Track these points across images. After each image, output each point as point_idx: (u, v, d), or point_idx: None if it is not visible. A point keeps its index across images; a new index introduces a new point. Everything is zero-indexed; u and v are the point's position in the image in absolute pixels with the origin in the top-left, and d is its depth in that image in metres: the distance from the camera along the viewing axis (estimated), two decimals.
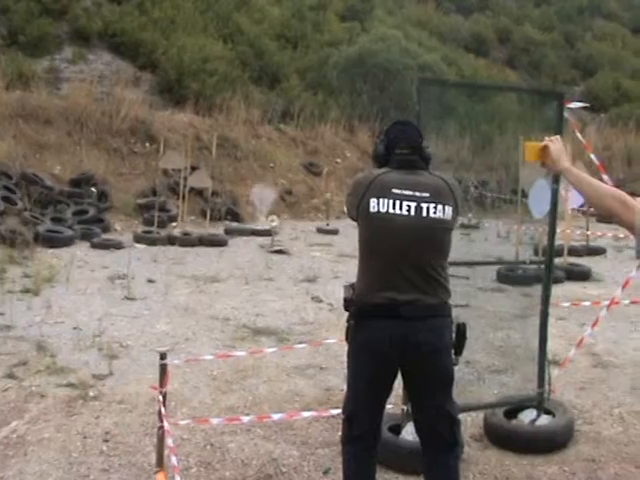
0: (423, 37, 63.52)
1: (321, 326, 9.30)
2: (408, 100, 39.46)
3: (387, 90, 38.30)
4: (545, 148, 3.29)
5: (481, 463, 5.22)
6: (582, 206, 15.82)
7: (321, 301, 10.85)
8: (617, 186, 4.27)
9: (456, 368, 7.04)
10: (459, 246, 15.93)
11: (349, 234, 17.81)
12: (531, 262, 13.09)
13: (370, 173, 3.67)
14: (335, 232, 18.27)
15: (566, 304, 7.85)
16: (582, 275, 12.59)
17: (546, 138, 3.31)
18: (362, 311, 3.61)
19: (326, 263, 14.28)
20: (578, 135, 5.25)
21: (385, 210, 3.45)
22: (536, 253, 14.19)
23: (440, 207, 3.50)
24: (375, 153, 3.77)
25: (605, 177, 5.60)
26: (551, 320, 9.22)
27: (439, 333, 3.64)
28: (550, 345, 8.08)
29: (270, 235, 17.06)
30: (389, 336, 3.54)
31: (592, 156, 5.46)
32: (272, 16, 47.50)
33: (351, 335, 3.70)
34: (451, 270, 11.56)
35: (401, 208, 3.43)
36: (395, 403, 5.40)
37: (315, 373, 7.41)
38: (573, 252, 14.95)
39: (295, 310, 10.23)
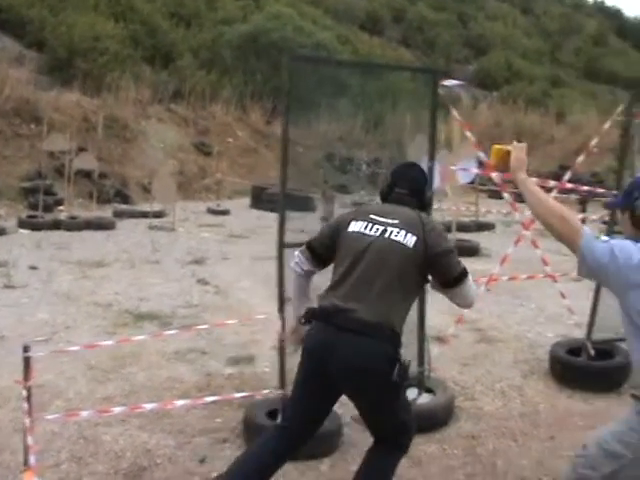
0: (318, 15, 63.32)
1: (206, 309, 9.04)
2: (345, 83, 39.35)
3: (281, 69, 37.99)
4: (509, 153, 3.31)
5: (360, 445, 5.10)
6: (472, 182, 15.99)
7: (207, 283, 10.57)
8: None
9: None
10: None
11: (240, 215, 17.61)
12: None
13: (361, 207, 4.21)
14: (226, 212, 17.99)
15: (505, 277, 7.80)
16: (470, 251, 12.63)
17: (514, 143, 3.36)
18: (313, 312, 3.74)
19: (215, 244, 13.99)
20: (454, 112, 5.13)
21: (358, 230, 3.71)
22: None
23: (403, 233, 3.64)
24: (380, 190, 4.04)
25: (481, 154, 5.50)
26: (438, 296, 9.31)
27: (364, 353, 3.51)
28: (436, 322, 8.11)
29: (160, 217, 16.63)
30: (319, 340, 3.63)
31: (467, 133, 5.35)
32: None
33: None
34: None
35: (371, 230, 3.67)
36: (275, 387, 5.23)
37: (196, 358, 7.15)
38: (462, 228, 15.12)
39: (180, 293, 9.93)
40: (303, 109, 22.72)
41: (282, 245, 5.05)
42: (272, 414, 5.09)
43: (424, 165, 11.93)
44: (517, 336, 7.66)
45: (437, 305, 8.72)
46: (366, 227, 3.72)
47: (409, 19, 75.49)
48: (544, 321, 7.04)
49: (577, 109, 27.59)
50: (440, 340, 7.48)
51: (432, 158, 5.24)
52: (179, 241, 14.40)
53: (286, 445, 3.80)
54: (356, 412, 4.05)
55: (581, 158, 6.29)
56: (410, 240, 3.64)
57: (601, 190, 8.15)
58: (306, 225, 14.10)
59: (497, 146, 3.41)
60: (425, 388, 5.47)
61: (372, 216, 3.77)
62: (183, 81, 34.66)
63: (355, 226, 3.76)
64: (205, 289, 10.30)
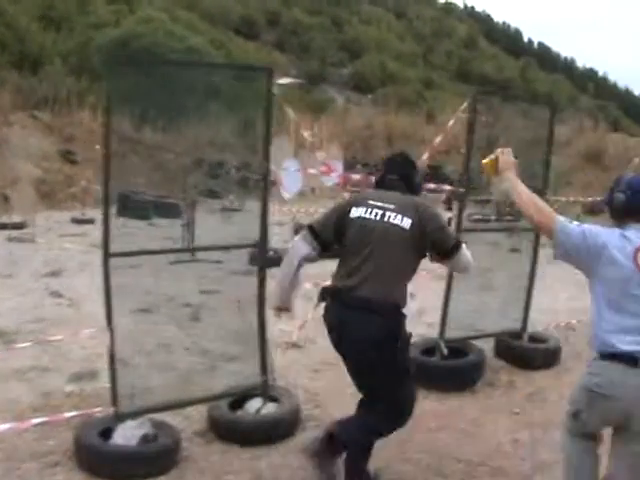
0: (193, 19, 62.70)
1: (54, 324, 8.55)
2: (174, 84, 38.60)
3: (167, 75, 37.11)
4: (496, 159, 3.62)
5: (201, 460, 4.83)
6: (338, 184, 15.94)
7: (61, 296, 10.04)
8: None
9: (189, 359, 6.72)
10: (218, 229, 15.55)
11: None
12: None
13: (359, 194, 4.56)
14: (91, 221, 17.32)
15: (308, 285, 7.58)
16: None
17: (498, 150, 3.62)
18: (327, 292, 4.14)
19: (76, 255, 13.40)
20: (289, 111, 4.94)
21: (360, 215, 4.01)
22: (296, 233, 14.15)
23: (400, 217, 3.96)
24: (376, 179, 4.39)
25: (319, 154, 5.33)
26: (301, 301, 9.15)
27: (370, 328, 3.92)
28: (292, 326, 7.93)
29: (20, 228, 15.86)
30: (335, 317, 4.05)
31: (305, 134, 5.18)
32: None
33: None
34: (204, 255, 11.11)
35: (371, 214, 3.99)
36: (106, 405, 4.91)
37: (37, 376, 6.69)
38: None
39: (31, 308, 9.38)
40: (168, 113, 22.37)
41: (107, 255, 4.74)
42: (105, 433, 4.75)
43: (292, 171, 11.91)
44: None
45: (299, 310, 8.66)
46: (366, 212, 4.01)
47: (284, 23, 75.72)
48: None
49: (448, 110, 28.04)
50: (295, 346, 7.31)
51: (267, 158, 5.01)
52: (38, 253, 13.73)
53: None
54: None
55: (425, 156, 6.20)
56: (406, 223, 3.95)
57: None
58: (174, 232, 13.85)
59: (485, 161, 3.72)
60: (270, 397, 5.25)
61: (370, 201, 4.06)
62: (52, 87, 33.68)
63: (357, 212, 4.04)
64: (57, 302, 9.78)
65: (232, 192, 19.93)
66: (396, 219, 3.97)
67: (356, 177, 6.93)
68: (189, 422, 5.39)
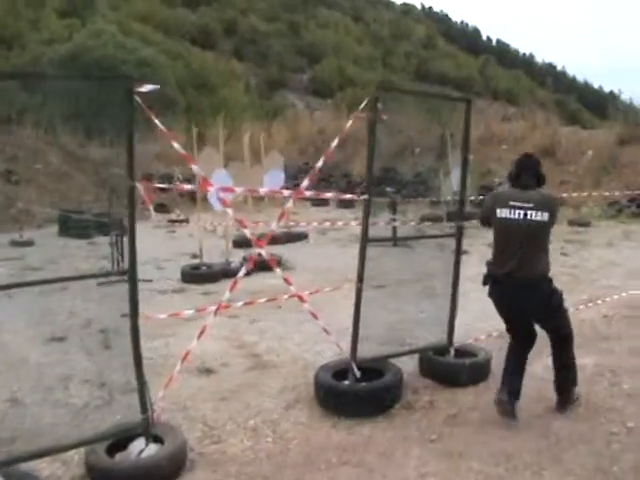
0: (147, 32, 62.00)
1: None
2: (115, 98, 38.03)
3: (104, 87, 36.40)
4: None
5: None
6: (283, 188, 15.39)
7: None
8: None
9: (86, 393, 6.11)
10: (159, 243, 14.84)
11: (45, 244, 16.32)
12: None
13: (494, 193, 5.54)
14: (30, 243, 16.62)
15: (239, 303, 7.00)
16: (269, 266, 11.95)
17: None
18: (491, 277, 5.22)
19: (4, 280, 12.69)
20: (155, 121, 4.38)
21: (504, 216, 5.06)
22: (236, 245, 13.61)
23: (540, 213, 5.00)
24: (510, 176, 5.26)
25: (194, 167, 4.76)
26: (223, 319, 8.56)
27: (531, 294, 5.10)
28: (213, 350, 7.35)
29: None
30: (502, 295, 5.20)
31: (175, 145, 4.60)
32: None
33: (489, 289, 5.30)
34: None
35: (514, 214, 5.03)
36: None
37: None
38: (272, 240, 14.43)
39: None
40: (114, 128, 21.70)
41: None
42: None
43: (218, 175, 11.32)
44: (294, 358, 6.94)
45: (215, 331, 8.06)
46: (510, 213, 5.03)
47: (241, 31, 75.27)
48: (327, 339, 6.44)
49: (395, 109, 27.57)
50: (208, 371, 6.74)
51: (131, 171, 4.42)
52: None
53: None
54: None
55: (320, 163, 5.61)
56: (545, 216, 5.00)
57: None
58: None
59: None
60: (154, 437, 4.67)
61: (511, 203, 5.05)
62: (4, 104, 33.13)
63: (501, 213, 5.07)
64: None
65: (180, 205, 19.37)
66: (537, 216, 4.99)
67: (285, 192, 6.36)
68: (67, 468, 4.81)
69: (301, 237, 15.31)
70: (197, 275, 11.24)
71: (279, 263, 12.13)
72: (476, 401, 5.64)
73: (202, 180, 4.91)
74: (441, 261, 11.11)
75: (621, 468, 4.45)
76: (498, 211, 5.10)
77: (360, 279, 5.56)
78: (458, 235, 6.10)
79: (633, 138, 19.68)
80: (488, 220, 5.26)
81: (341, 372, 5.71)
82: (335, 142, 5.37)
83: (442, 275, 7.89)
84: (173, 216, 19.54)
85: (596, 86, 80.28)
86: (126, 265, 4.68)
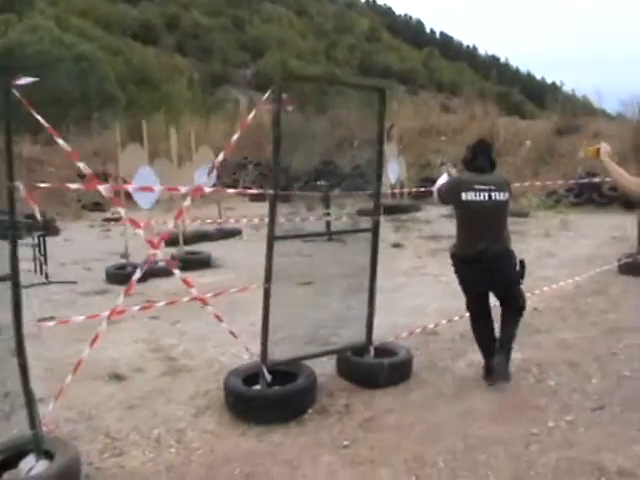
0: (87, 27, 60.90)
1: None
2: (64, 92, 37.07)
3: (40, 83, 35.33)
4: (598, 150, 4.97)
5: None
6: (215, 185, 15.01)
7: None
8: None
9: None
10: (92, 243, 14.33)
11: None
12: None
13: (459, 178, 5.69)
14: None
15: (162, 303, 6.64)
16: (201, 263, 11.60)
17: (602, 143, 5.03)
18: (460, 259, 5.61)
19: None
20: (37, 117, 4.02)
21: (471, 199, 5.38)
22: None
23: (501, 194, 5.42)
24: (465, 160, 5.60)
25: (81, 165, 4.39)
26: (143, 320, 8.21)
27: (503, 266, 5.58)
28: (127, 354, 6.99)
29: None
30: (475, 271, 5.56)
31: (60, 141, 4.24)
32: None
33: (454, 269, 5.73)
34: (58, 277, 10.06)
35: (480, 196, 5.37)
36: None
37: None
38: (204, 237, 14.11)
39: None
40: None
41: None
42: None
43: (147, 179, 10.92)
44: (209, 361, 6.61)
45: (132, 334, 7.70)
46: (475, 195, 5.36)
47: (184, 26, 74.41)
48: (248, 340, 6.14)
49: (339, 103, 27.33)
50: (118, 378, 6.37)
51: (10, 168, 4.04)
52: None
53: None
54: None
55: (220, 157, 5.27)
56: (505, 195, 5.46)
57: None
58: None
59: (590, 148, 5.12)
60: (45, 452, 4.32)
61: (476, 186, 5.38)
62: None
63: (467, 196, 5.37)
64: None
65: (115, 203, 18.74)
66: (499, 196, 5.42)
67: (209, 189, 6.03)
68: None
69: (234, 233, 14.95)
70: (122, 275, 10.77)
71: (207, 262, 11.82)
72: (394, 403, 5.38)
73: (92, 178, 4.53)
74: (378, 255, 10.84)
75: (538, 473, 4.23)
76: (463, 195, 5.42)
77: (267, 279, 5.25)
78: (374, 229, 5.83)
79: (570, 128, 19.71)
80: (447, 201, 5.81)
81: (253, 376, 5.40)
82: (236, 136, 5.02)
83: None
84: (108, 215, 19.02)
85: (539, 77, 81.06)
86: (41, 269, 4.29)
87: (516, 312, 5.78)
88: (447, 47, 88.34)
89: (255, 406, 5.15)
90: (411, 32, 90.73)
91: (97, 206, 21.08)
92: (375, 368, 5.70)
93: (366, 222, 6.39)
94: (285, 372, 5.48)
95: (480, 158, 5.55)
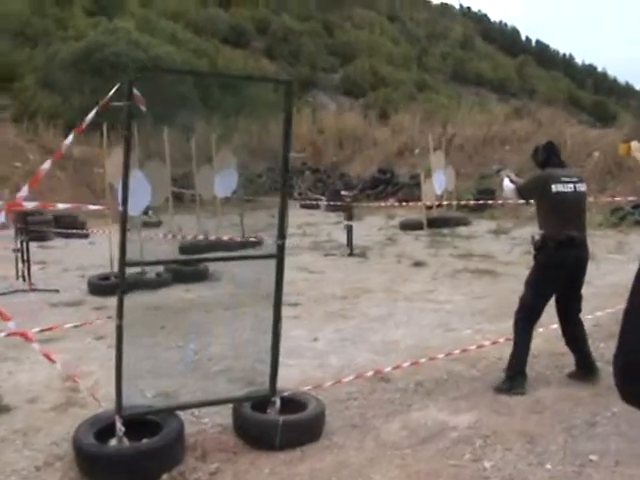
0: (176, 30, 61.28)
1: None
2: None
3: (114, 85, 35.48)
4: (629, 147, 5.58)
5: None
6: (234, 193, 14.08)
7: None
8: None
9: None
10: (95, 249, 13.55)
11: None
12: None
13: (546, 172, 5.86)
14: None
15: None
16: (195, 275, 10.61)
17: (634, 142, 5.55)
18: (557, 242, 5.65)
19: None
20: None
21: (560, 190, 5.66)
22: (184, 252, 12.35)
23: (582, 185, 5.79)
24: (538, 161, 5.97)
25: None
26: (85, 340, 7.29)
27: (587, 257, 5.87)
28: (38, 377, 6.08)
29: None
30: (570, 257, 5.70)
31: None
32: (9, 11, 44.58)
33: (543, 259, 5.77)
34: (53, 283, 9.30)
35: (567, 187, 5.68)
36: None
37: None
38: (218, 247, 13.09)
39: None
40: None
41: None
42: None
43: (137, 183, 10.04)
44: (31, 399, 5.57)
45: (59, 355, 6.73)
46: (564, 187, 5.65)
47: (273, 30, 74.26)
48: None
49: (402, 110, 26.12)
50: (3, 409, 5.43)
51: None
52: None
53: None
54: None
55: (47, 163, 4.22)
56: (585, 187, 5.83)
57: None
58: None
59: (623, 144, 5.70)
60: None
61: (563, 178, 5.67)
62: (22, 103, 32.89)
63: (557, 187, 5.64)
64: None
65: None
66: (582, 187, 5.71)
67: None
68: None
69: (254, 244, 13.89)
70: (104, 286, 9.92)
71: (204, 274, 10.83)
72: (272, 477, 4.21)
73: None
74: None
75: None
76: (553, 186, 5.64)
77: (120, 315, 4.18)
78: (279, 256, 4.67)
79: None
80: (532, 195, 6.00)
81: (105, 430, 4.34)
82: (47, 164, 4.00)
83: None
84: (145, 218, 18.29)
85: (638, 88, 77.51)
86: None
87: (578, 316, 5.96)
88: (543, 55, 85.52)
89: (98, 466, 4.10)
90: (506, 40, 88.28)
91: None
92: (266, 426, 4.54)
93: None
94: (152, 423, 4.41)
95: (554, 157, 5.88)
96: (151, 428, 4.43)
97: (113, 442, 4.30)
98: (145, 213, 18.48)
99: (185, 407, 4.74)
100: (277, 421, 4.52)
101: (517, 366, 5.66)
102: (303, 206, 20.88)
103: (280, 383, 5.60)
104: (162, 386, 5.79)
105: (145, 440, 4.34)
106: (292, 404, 4.82)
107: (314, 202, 20.08)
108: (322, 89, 69.07)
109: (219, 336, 7.24)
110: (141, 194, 10.35)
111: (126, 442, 4.31)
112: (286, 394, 4.84)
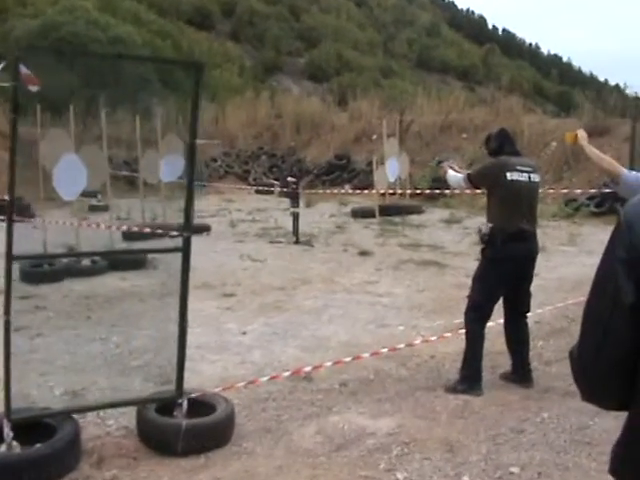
0: (140, 10, 60.38)
1: None
2: (97, 76, 36.28)
3: (73, 66, 34.59)
4: (577, 135, 5.13)
5: None
6: (180, 178, 13.70)
7: None
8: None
9: None
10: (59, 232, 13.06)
11: None
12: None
13: (501, 159, 5.59)
14: None
15: None
16: (132, 263, 10.26)
17: (580, 130, 5.21)
18: (508, 235, 5.40)
19: None
20: None
21: (515, 178, 5.43)
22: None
23: (536, 175, 5.62)
24: (492, 147, 5.69)
25: None
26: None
27: (537, 251, 5.66)
28: None
29: None
30: (520, 250, 5.48)
31: None
32: None
33: (491, 253, 5.47)
34: None
35: (522, 176, 5.46)
36: None
37: None
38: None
39: None
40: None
41: None
42: None
43: (72, 168, 9.66)
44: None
45: None
46: (519, 175, 5.44)
47: (239, 13, 73.52)
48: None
49: (360, 95, 25.73)
50: None
51: None
52: None
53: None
54: None
55: None
56: (538, 177, 5.70)
57: None
58: None
59: (569, 133, 5.27)
60: None
61: (518, 167, 5.47)
62: None
63: (512, 176, 5.43)
64: None
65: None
66: (535, 177, 5.58)
67: None
68: None
69: (201, 230, 13.55)
70: (36, 273, 9.54)
71: (141, 262, 10.48)
72: None
73: None
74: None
75: None
76: (508, 174, 5.42)
77: (7, 311, 3.87)
78: (185, 249, 4.36)
79: (600, 129, 17.79)
80: (485, 183, 5.73)
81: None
82: None
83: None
84: (94, 202, 17.88)
85: (602, 79, 77.87)
86: None
87: (525, 317, 5.74)
88: (509, 44, 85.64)
89: None
90: (473, 28, 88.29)
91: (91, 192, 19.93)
92: (168, 430, 4.25)
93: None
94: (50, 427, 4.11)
95: (508, 144, 5.65)
96: (48, 432, 4.13)
97: (2, 448, 3.99)
98: (94, 196, 18.15)
99: (83, 410, 4.44)
100: (179, 425, 4.24)
101: (472, 366, 5.43)
102: (257, 192, 20.53)
103: (198, 381, 5.37)
104: (72, 383, 5.48)
105: (39, 445, 4.05)
106: (201, 406, 4.53)
107: (268, 188, 19.73)
108: (287, 73, 68.64)
109: (145, 328, 6.94)
110: (76, 178, 9.98)
111: (17, 448, 4.02)
112: (194, 395, 4.55)
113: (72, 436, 4.06)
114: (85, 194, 16.55)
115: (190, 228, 4.35)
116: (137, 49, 40.53)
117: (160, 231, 10.77)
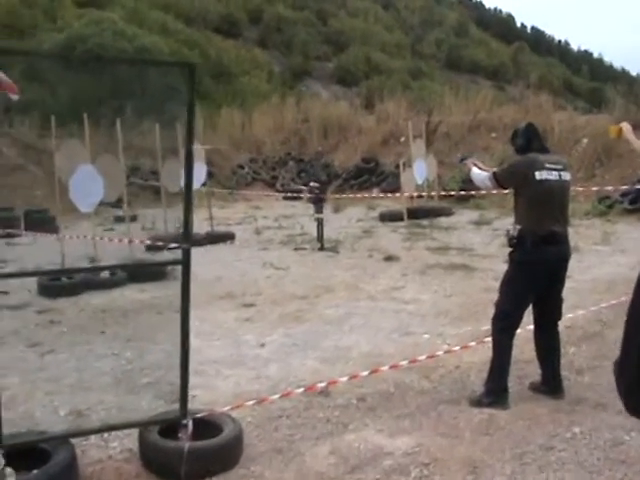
0: (167, 21, 60.66)
1: None
2: (124, 85, 36.40)
3: (100, 76, 34.81)
4: (621, 128, 5.61)
5: None
6: (204, 185, 13.55)
7: None
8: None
9: None
10: (82, 244, 12.91)
11: None
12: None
13: (528, 157, 5.25)
14: None
15: None
16: (152, 274, 10.02)
17: (624, 123, 5.65)
18: (540, 237, 5.09)
19: None
20: None
21: (545, 177, 5.11)
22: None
23: (567, 174, 5.30)
24: (519, 143, 5.35)
25: None
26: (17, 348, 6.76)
27: (569, 256, 5.31)
28: None
29: None
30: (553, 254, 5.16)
31: None
32: None
33: (519, 257, 5.14)
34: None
35: (551, 175, 5.14)
36: None
37: None
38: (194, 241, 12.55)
39: None
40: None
41: None
42: None
43: (89, 179, 9.51)
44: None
45: None
46: (549, 174, 5.13)
47: (266, 20, 73.59)
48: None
49: (387, 97, 25.39)
50: None
51: None
52: None
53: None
54: None
55: None
56: (569, 175, 5.35)
57: None
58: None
59: (612, 126, 5.72)
60: None
61: (547, 165, 5.16)
62: None
63: (541, 175, 5.10)
64: None
65: None
66: (566, 176, 5.28)
67: None
68: None
69: (225, 238, 13.35)
70: (54, 287, 9.37)
71: (161, 273, 10.24)
72: None
73: None
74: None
75: None
76: (537, 174, 5.13)
77: None
78: (185, 262, 4.10)
79: (634, 123, 17.27)
80: (512, 183, 5.37)
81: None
82: None
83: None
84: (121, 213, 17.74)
85: (634, 73, 76.70)
86: None
87: (559, 313, 5.43)
88: (538, 42, 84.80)
89: None
90: (501, 27, 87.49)
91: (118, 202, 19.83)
92: (171, 454, 3.99)
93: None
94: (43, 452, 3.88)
95: (536, 141, 5.36)
96: (44, 456, 3.91)
97: None
98: (120, 207, 18.04)
99: (80, 434, 4.19)
100: (182, 448, 3.97)
101: (499, 378, 5.13)
102: (285, 198, 20.33)
103: (210, 397, 5.12)
104: (78, 402, 5.25)
105: (35, 471, 3.82)
106: (208, 427, 4.27)
107: (296, 194, 19.50)
108: (316, 78, 68.54)
109: (160, 342, 6.70)
110: (92, 189, 9.81)
111: (12, 476, 3.78)
112: (199, 416, 4.28)
113: (66, 462, 3.82)
114: (111, 205, 16.54)
115: (189, 239, 4.09)
116: (164, 59, 40.64)
117: (160, 243, 10.67)
